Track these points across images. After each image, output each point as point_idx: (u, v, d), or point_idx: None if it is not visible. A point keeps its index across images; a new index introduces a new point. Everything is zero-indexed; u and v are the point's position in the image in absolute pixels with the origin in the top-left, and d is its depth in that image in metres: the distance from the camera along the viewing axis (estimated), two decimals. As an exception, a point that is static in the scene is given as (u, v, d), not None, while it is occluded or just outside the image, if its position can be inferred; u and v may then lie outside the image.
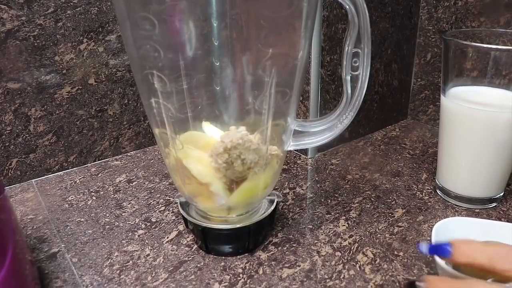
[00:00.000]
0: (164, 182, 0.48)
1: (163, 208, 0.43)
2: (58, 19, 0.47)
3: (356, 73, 0.35)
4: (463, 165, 0.41)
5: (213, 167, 0.32)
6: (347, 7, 0.33)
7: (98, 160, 0.54)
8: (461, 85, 0.41)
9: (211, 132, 0.34)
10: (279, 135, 0.35)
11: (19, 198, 0.46)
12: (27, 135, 0.48)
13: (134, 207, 0.43)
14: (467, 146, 0.40)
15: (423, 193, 0.45)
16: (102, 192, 0.47)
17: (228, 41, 0.31)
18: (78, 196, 0.46)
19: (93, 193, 0.46)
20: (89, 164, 0.53)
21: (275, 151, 0.34)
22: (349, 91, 0.35)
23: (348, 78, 0.35)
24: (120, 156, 0.55)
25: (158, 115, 0.33)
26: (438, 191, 0.45)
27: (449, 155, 0.42)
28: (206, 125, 0.34)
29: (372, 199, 0.44)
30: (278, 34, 0.31)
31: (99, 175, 0.51)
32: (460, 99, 0.40)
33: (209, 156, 0.32)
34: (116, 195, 0.46)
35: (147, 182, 0.48)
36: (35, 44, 0.46)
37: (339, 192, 0.45)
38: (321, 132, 0.36)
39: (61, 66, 0.48)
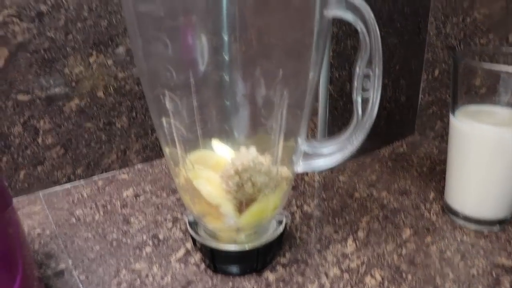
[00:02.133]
0: (172, 198, 0.48)
1: (170, 224, 0.43)
2: (68, 31, 0.47)
3: (367, 95, 0.34)
4: (472, 186, 0.41)
5: (223, 188, 0.32)
6: (359, 28, 0.33)
7: (105, 172, 0.54)
8: (470, 104, 0.40)
9: (221, 151, 0.34)
10: (289, 156, 0.34)
11: (26, 211, 0.46)
12: (35, 147, 0.48)
13: (141, 223, 0.43)
14: (476, 166, 0.40)
15: (431, 213, 0.44)
16: (109, 207, 0.46)
17: (239, 59, 0.31)
18: (85, 210, 0.46)
19: (100, 208, 0.46)
20: (96, 177, 0.53)
21: (286, 173, 0.34)
22: (360, 112, 0.35)
23: (359, 99, 0.35)
24: (127, 169, 0.55)
25: (169, 134, 0.33)
26: (446, 211, 0.44)
27: (458, 175, 0.42)
28: (216, 143, 0.34)
29: (380, 219, 0.44)
30: (289, 55, 0.31)
31: (106, 188, 0.51)
32: (470, 118, 0.40)
33: (220, 177, 0.32)
34: (123, 210, 0.46)
35: (154, 197, 0.48)
36: (45, 56, 0.46)
37: (347, 210, 0.45)
38: (331, 154, 0.36)
39: (70, 79, 0.49)
